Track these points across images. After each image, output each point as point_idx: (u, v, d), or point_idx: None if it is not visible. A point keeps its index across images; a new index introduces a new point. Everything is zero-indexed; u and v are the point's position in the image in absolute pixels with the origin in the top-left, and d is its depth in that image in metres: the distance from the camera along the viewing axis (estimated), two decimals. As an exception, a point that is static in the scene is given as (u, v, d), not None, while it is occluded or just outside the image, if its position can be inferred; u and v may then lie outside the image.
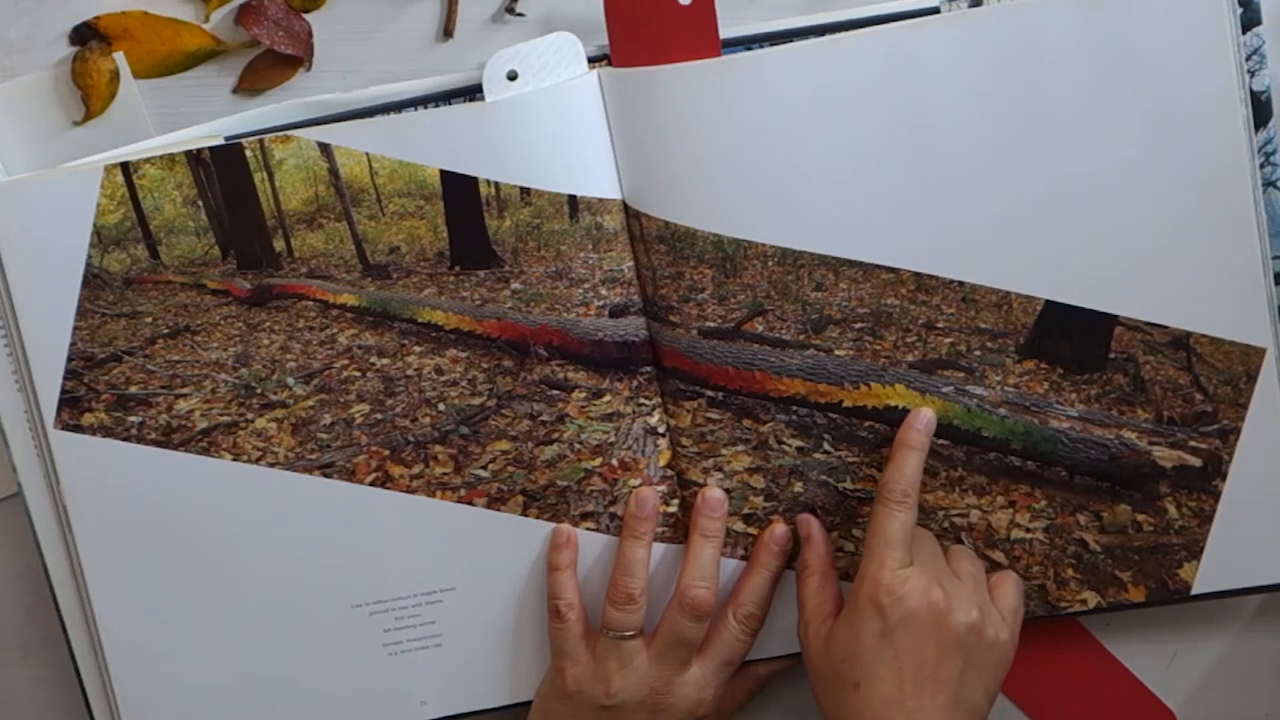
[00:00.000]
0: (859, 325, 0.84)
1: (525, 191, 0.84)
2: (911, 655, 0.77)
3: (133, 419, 0.85)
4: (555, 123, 0.83)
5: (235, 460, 0.86)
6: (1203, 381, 0.83)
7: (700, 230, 0.83)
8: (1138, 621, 0.88)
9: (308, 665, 0.87)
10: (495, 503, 0.86)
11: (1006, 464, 0.84)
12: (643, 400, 0.85)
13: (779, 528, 0.85)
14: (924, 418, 0.83)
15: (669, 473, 0.86)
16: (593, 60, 0.83)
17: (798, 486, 0.85)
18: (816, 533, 0.84)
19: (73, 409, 0.85)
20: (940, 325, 0.84)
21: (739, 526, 0.86)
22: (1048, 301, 0.83)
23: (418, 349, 0.86)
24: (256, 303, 0.86)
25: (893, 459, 0.82)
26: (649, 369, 0.85)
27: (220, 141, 0.84)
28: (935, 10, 0.82)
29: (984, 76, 0.81)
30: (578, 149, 0.83)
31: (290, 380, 0.86)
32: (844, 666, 0.79)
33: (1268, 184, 0.82)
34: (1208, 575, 0.84)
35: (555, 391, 0.85)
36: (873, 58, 0.81)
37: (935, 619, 0.78)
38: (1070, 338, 0.83)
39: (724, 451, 0.86)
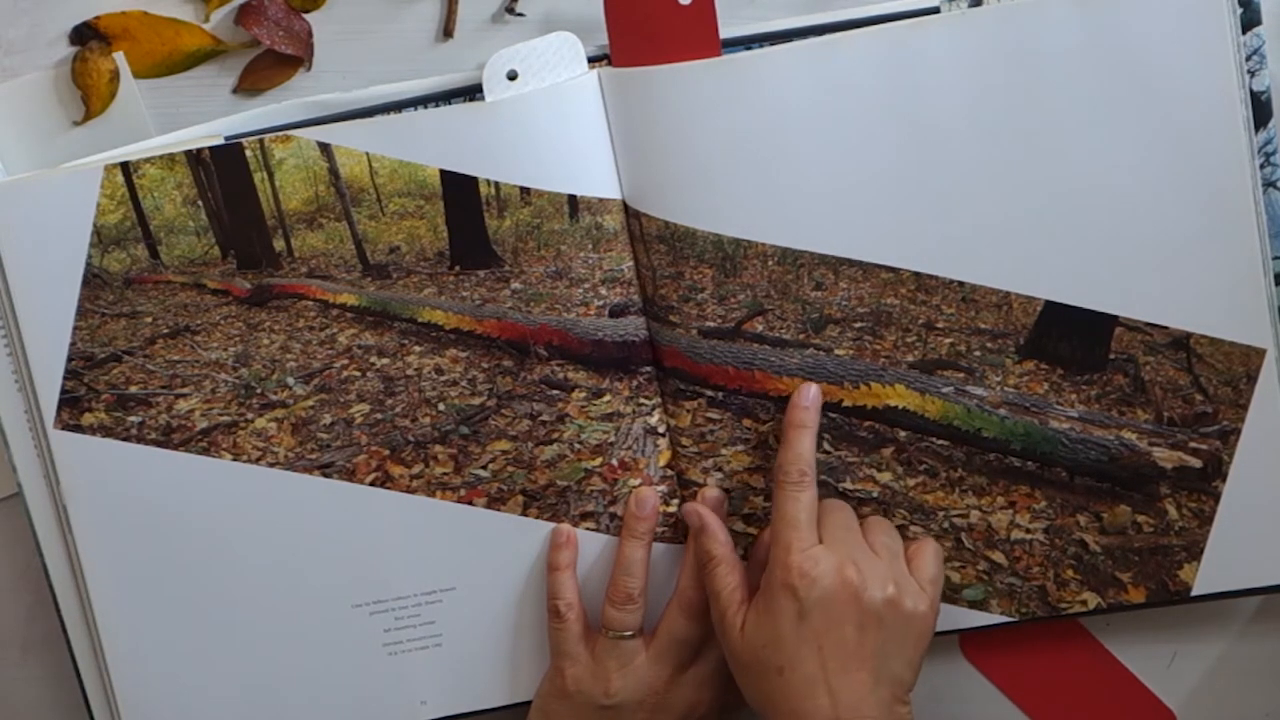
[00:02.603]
0: (859, 325, 0.84)
1: (525, 191, 0.84)
2: (830, 635, 0.77)
3: (133, 419, 0.85)
4: (555, 123, 0.83)
5: (235, 460, 0.86)
6: (1203, 382, 0.83)
7: (700, 230, 0.83)
8: (1138, 622, 0.88)
9: (308, 665, 0.87)
10: (495, 503, 0.86)
11: (1006, 465, 0.84)
12: (643, 400, 0.85)
13: None
14: (809, 394, 0.83)
15: (669, 473, 0.86)
16: (593, 60, 0.83)
17: (798, 486, 0.85)
18: (711, 521, 0.83)
19: (73, 409, 0.85)
20: (940, 325, 0.84)
21: (739, 526, 0.86)
22: (1048, 302, 0.83)
23: (418, 349, 0.86)
24: (256, 303, 0.86)
25: (784, 441, 0.82)
26: (649, 369, 0.85)
27: (220, 141, 0.84)
28: (935, 10, 0.82)
29: (984, 76, 0.80)
30: (578, 149, 0.83)
31: (290, 380, 0.86)
32: (765, 652, 0.78)
33: (1268, 184, 0.82)
34: (1208, 576, 0.84)
35: (555, 391, 0.85)
36: (873, 58, 0.81)
37: (850, 596, 0.77)
38: (1070, 338, 0.83)
39: (724, 451, 0.85)
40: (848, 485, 0.85)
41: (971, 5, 0.82)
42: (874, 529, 0.82)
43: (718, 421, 0.85)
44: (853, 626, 0.77)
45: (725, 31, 0.82)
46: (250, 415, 0.86)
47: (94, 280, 0.85)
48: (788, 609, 0.78)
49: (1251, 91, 0.81)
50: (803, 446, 0.81)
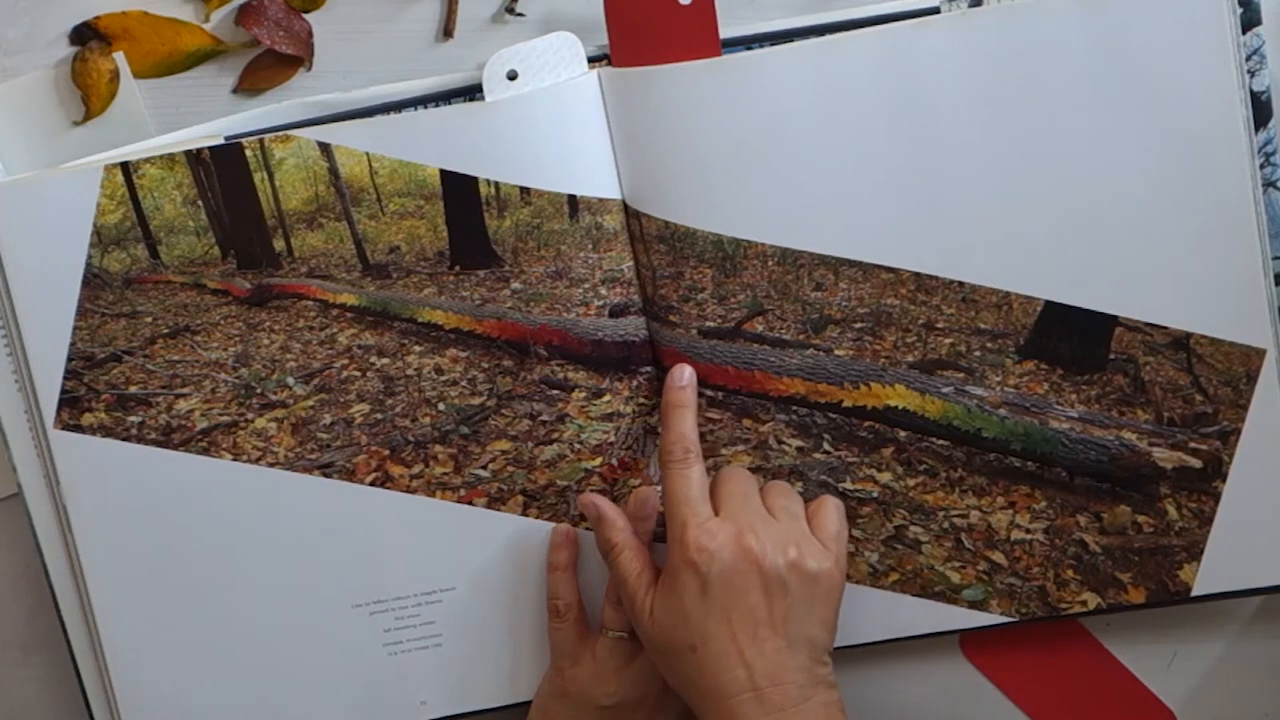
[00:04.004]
0: (859, 325, 0.84)
1: (525, 191, 0.84)
2: (737, 606, 0.77)
3: (133, 419, 0.85)
4: (555, 123, 0.83)
5: (235, 460, 0.86)
6: (1203, 382, 0.83)
7: (700, 230, 0.83)
8: (1138, 622, 0.88)
9: (308, 665, 0.87)
10: (495, 503, 0.86)
11: (1006, 465, 0.84)
12: (643, 400, 0.85)
13: None
14: (684, 374, 0.83)
15: (669, 473, 0.86)
16: (593, 60, 0.83)
17: (798, 486, 0.85)
18: (607, 509, 0.83)
19: (73, 409, 0.85)
20: (940, 325, 0.84)
21: (739, 527, 0.86)
22: (1048, 302, 0.83)
23: (418, 349, 0.86)
24: (256, 302, 0.86)
25: (665, 423, 0.82)
26: (649, 369, 0.85)
27: (220, 141, 0.84)
28: (935, 10, 0.82)
29: (984, 77, 0.80)
30: (578, 149, 0.83)
31: (290, 380, 0.86)
32: (676, 633, 0.78)
33: (1268, 184, 0.82)
34: (1208, 576, 0.84)
35: (555, 391, 0.85)
36: (873, 58, 0.81)
37: (751, 565, 0.77)
38: (1070, 338, 0.83)
39: (724, 451, 0.85)
40: (848, 485, 0.85)
41: (971, 5, 0.82)
42: (772, 492, 0.82)
43: (718, 421, 0.85)
44: (758, 594, 0.77)
45: (725, 31, 0.82)
46: (250, 415, 0.86)
47: (94, 280, 0.85)
48: (691, 586, 0.78)
49: (1251, 91, 0.81)
50: (684, 426, 0.82)
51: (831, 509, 0.82)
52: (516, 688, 0.88)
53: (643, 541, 0.84)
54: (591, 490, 0.85)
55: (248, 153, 0.84)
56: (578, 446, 0.85)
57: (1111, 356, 0.83)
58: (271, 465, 0.86)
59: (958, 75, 0.81)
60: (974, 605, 0.85)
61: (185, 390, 0.86)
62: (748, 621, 0.77)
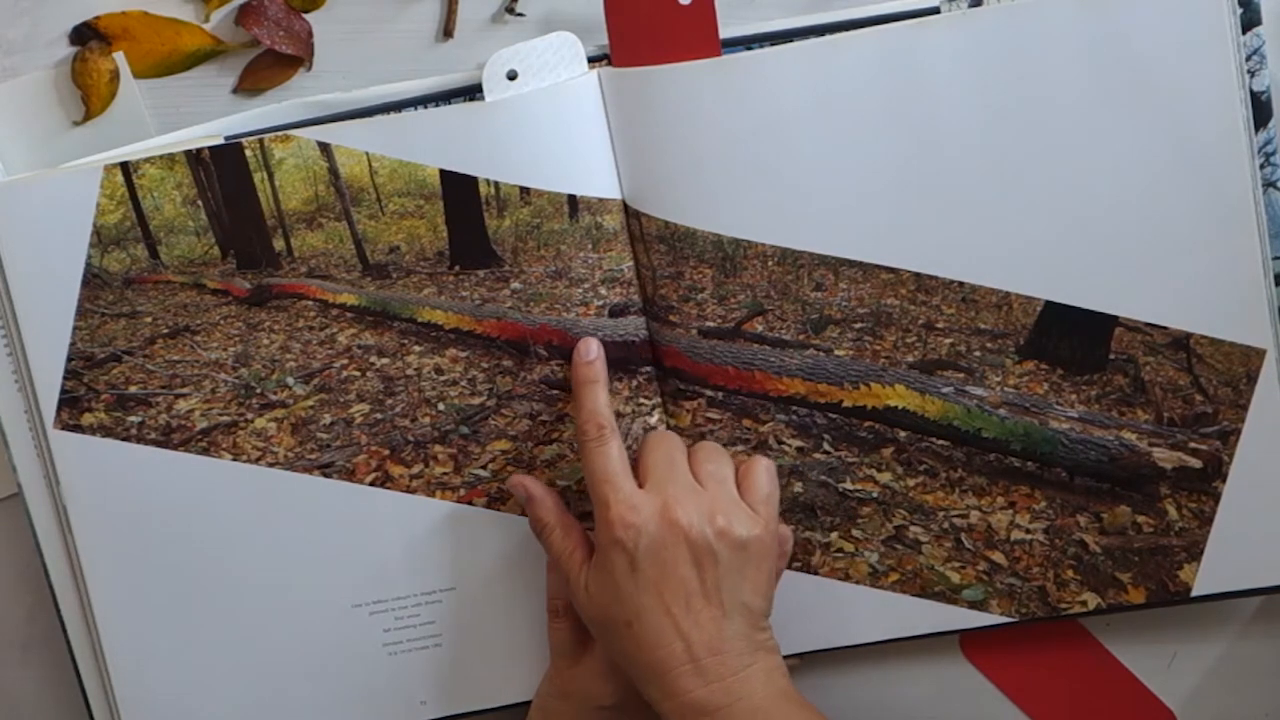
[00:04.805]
0: (859, 325, 0.84)
1: (525, 191, 0.84)
2: (667, 579, 0.77)
3: (132, 419, 0.85)
4: (555, 122, 0.83)
5: (235, 460, 0.86)
6: (1203, 383, 0.83)
7: (700, 230, 0.83)
8: (1138, 622, 0.88)
9: (308, 665, 0.87)
10: (495, 503, 0.86)
11: (1006, 465, 0.84)
12: (643, 400, 0.85)
13: (779, 528, 0.85)
14: (591, 349, 0.83)
15: (669, 473, 0.86)
16: (593, 60, 0.83)
17: (798, 486, 0.85)
18: (535, 488, 0.83)
19: (72, 409, 0.85)
20: (940, 325, 0.84)
21: (739, 527, 0.86)
22: (1048, 302, 0.83)
23: (417, 349, 0.86)
24: (256, 302, 0.86)
25: (576, 401, 0.82)
26: (649, 369, 0.85)
27: (220, 141, 0.84)
28: (935, 10, 0.82)
29: (984, 76, 0.80)
30: (577, 149, 0.83)
31: (290, 380, 0.86)
32: (611, 610, 0.78)
33: (1268, 184, 0.82)
34: (1208, 577, 0.84)
35: (555, 391, 0.85)
36: (873, 58, 0.81)
37: (678, 537, 0.77)
38: (1070, 338, 0.83)
39: (724, 451, 0.86)
40: (848, 485, 0.85)
41: (971, 5, 0.82)
42: (700, 457, 0.81)
43: (718, 421, 0.85)
44: (688, 566, 0.77)
45: (725, 31, 0.82)
46: (250, 415, 0.86)
47: (94, 280, 0.85)
48: (620, 563, 0.77)
49: (1251, 91, 0.81)
50: (596, 402, 0.81)
51: (761, 471, 0.81)
52: (516, 688, 0.88)
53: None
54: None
55: (248, 153, 0.84)
56: (578, 447, 0.85)
57: (1111, 356, 0.83)
58: (271, 465, 0.86)
59: (958, 75, 0.81)
60: (974, 605, 0.85)
61: (185, 390, 0.86)
62: (680, 594, 0.77)
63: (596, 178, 0.83)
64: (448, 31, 0.88)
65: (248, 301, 0.86)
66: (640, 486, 0.79)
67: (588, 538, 0.82)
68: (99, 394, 0.85)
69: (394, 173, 0.84)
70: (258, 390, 0.86)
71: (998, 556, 0.85)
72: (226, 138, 0.84)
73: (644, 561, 0.77)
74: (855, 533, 0.85)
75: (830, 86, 0.81)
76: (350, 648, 0.87)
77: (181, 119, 0.87)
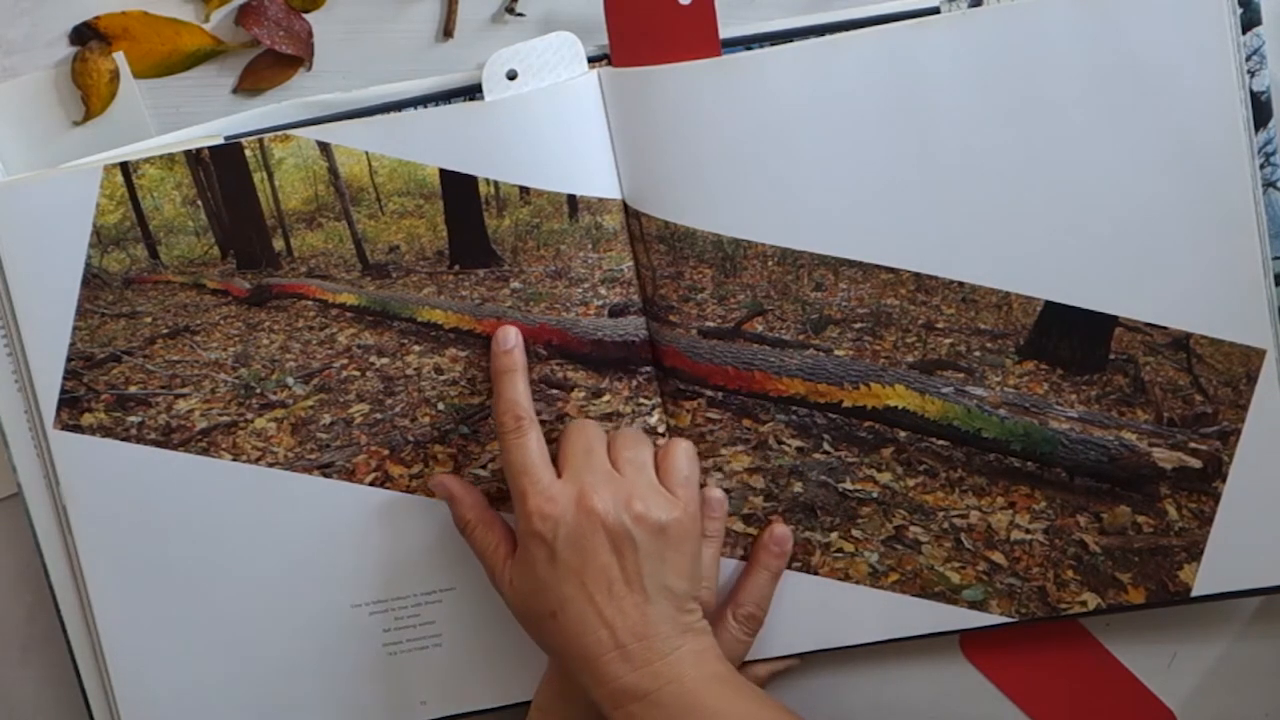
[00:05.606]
0: (859, 325, 0.84)
1: (524, 191, 0.84)
2: (587, 568, 0.77)
3: (132, 419, 0.85)
4: (555, 122, 0.83)
5: (235, 460, 0.86)
6: (1203, 383, 0.83)
7: (700, 230, 0.83)
8: (1138, 622, 0.88)
9: (308, 665, 0.87)
10: (495, 502, 0.86)
11: (1006, 465, 0.84)
12: (642, 400, 0.85)
13: (779, 528, 0.85)
14: (509, 338, 0.83)
15: (669, 473, 0.86)
16: (593, 60, 0.83)
17: (797, 486, 0.85)
18: (457, 487, 0.84)
19: (72, 409, 0.85)
20: (940, 325, 0.84)
21: (739, 526, 0.86)
22: (1048, 302, 0.82)
23: (417, 348, 0.86)
24: (256, 302, 0.86)
25: (495, 391, 0.82)
26: (649, 369, 0.85)
27: (220, 141, 0.84)
28: (935, 10, 0.82)
29: (984, 76, 0.80)
30: (577, 149, 0.83)
31: (290, 380, 0.86)
32: (534, 601, 0.79)
33: (1268, 184, 0.82)
34: (1208, 577, 0.84)
35: (555, 391, 0.85)
36: (873, 58, 0.81)
37: (595, 524, 0.77)
38: (1070, 338, 0.83)
39: (724, 451, 0.85)
40: (847, 485, 0.85)
41: (971, 5, 0.82)
42: (619, 445, 0.81)
43: (718, 421, 0.85)
44: (607, 553, 0.77)
45: (725, 31, 0.82)
46: (250, 415, 0.86)
47: (94, 280, 0.85)
48: (539, 554, 0.78)
49: (1251, 91, 0.81)
50: (514, 392, 0.81)
51: (679, 453, 0.81)
52: (516, 688, 0.88)
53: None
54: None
55: (247, 153, 0.84)
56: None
57: (1111, 356, 0.83)
58: (271, 465, 0.86)
59: (958, 75, 0.81)
60: (974, 605, 0.85)
61: (185, 390, 0.86)
62: (601, 581, 0.77)
63: (596, 178, 0.83)
64: (448, 31, 0.88)
65: (247, 301, 0.86)
66: (559, 477, 0.79)
67: (511, 533, 0.82)
68: (99, 394, 0.85)
69: (394, 172, 0.84)
70: (257, 390, 0.86)
71: (998, 556, 0.85)
72: (226, 138, 0.84)
73: (563, 551, 0.77)
74: (855, 533, 0.85)
75: (830, 86, 0.81)
76: (350, 648, 0.87)
77: (181, 119, 0.87)
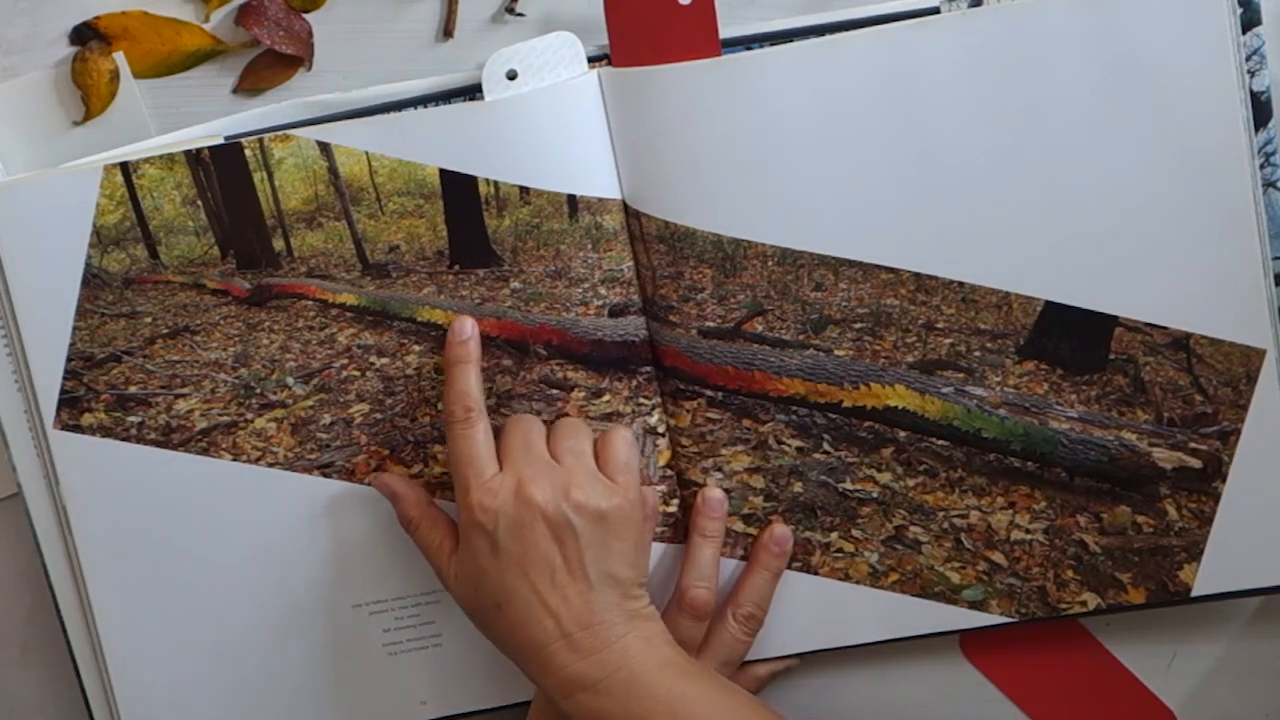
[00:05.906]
0: (859, 325, 0.84)
1: (524, 191, 0.84)
2: (529, 558, 0.77)
3: (132, 419, 0.85)
4: (555, 122, 0.83)
5: (235, 460, 0.86)
6: (1203, 383, 0.83)
7: (700, 230, 0.83)
8: (1138, 622, 0.88)
9: (308, 665, 0.87)
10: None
11: (1006, 465, 0.84)
12: (642, 400, 0.85)
13: (779, 528, 0.85)
14: (465, 328, 0.82)
15: (668, 473, 0.86)
16: (593, 60, 0.83)
17: (797, 486, 0.85)
18: (399, 486, 0.84)
19: (72, 409, 0.85)
20: (940, 326, 0.84)
21: (738, 526, 0.86)
22: (1048, 302, 0.82)
23: (417, 348, 0.86)
24: (256, 302, 0.86)
25: (446, 380, 0.82)
26: (649, 369, 0.85)
27: (220, 141, 0.84)
28: (935, 10, 0.82)
29: (984, 76, 0.80)
30: (577, 149, 0.83)
31: (290, 380, 0.86)
32: (479, 594, 0.79)
33: (1268, 184, 0.82)
34: (1208, 577, 0.84)
35: (555, 391, 0.85)
36: (873, 58, 0.81)
37: (535, 514, 0.77)
38: (1070, 338, 0.83)
39: (724, 451, 0.85)
40: (847, 485, 0.85)
41: (971, 5, 0.82)
42: (558, 435, 0.81)
43: (717, 421, 0.85)
44: (548, 543, 0.77)
45: (725, 31, 0.82)
46: (250, 415, 0.86)
47: (94, 280, 0.85)
48: (481, 546, 0.78)
49: (1251, 91, 0.81)
50: (466, 383, 0.81)
51: (618, 440, 0.81)
52: (516, 688, 0.88)
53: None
54: None
55: (247, 153, 0.84)
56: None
57: (1111, 357, 0.83)
58: (271, 465, 0.86)
59: (958, 75, 0.81)
60: (974, 605, 0.85)
61: (185, 390, 0.86)
62: (544, 571, 0.77)
63: (596, 177, 0.83)
64: (448, 31, 0.88)
65: (247, 301, 0.86)
66: (500, 470, 0.79)
67: (455, 529, 0.82)
68: (99, 394, 0.85)
69: (394, 172, 0.84)
70: (257, 390, 0.86)
71: (998, 556, 0.85)
72: (226, 138, 0.84)
73: (505, 543, 0.77)
74: (855, 533, 0.85)
75: (830, 86, 0.81)
76: (350, 648, 0.87)
77: (181, 119, 0.87)
